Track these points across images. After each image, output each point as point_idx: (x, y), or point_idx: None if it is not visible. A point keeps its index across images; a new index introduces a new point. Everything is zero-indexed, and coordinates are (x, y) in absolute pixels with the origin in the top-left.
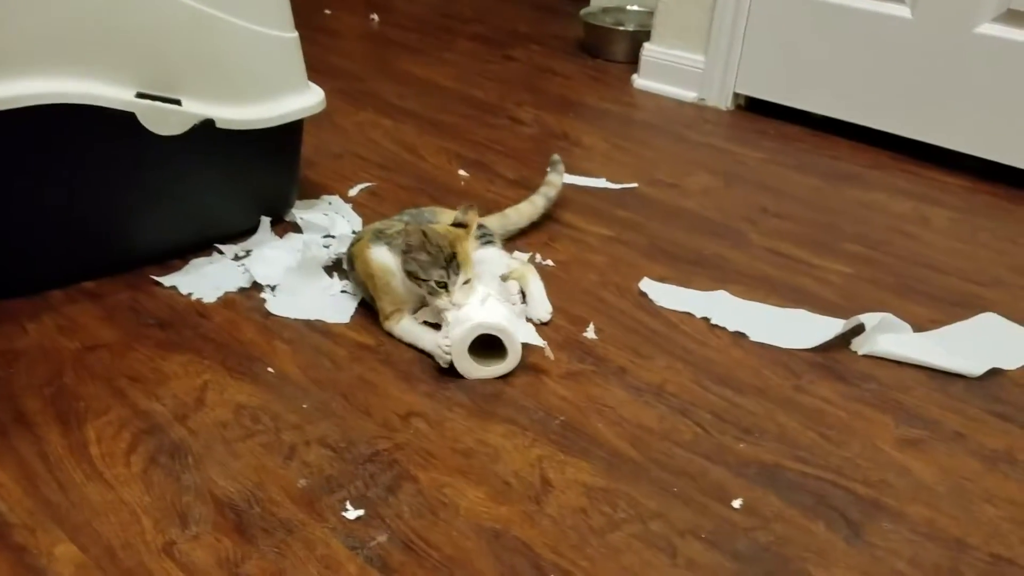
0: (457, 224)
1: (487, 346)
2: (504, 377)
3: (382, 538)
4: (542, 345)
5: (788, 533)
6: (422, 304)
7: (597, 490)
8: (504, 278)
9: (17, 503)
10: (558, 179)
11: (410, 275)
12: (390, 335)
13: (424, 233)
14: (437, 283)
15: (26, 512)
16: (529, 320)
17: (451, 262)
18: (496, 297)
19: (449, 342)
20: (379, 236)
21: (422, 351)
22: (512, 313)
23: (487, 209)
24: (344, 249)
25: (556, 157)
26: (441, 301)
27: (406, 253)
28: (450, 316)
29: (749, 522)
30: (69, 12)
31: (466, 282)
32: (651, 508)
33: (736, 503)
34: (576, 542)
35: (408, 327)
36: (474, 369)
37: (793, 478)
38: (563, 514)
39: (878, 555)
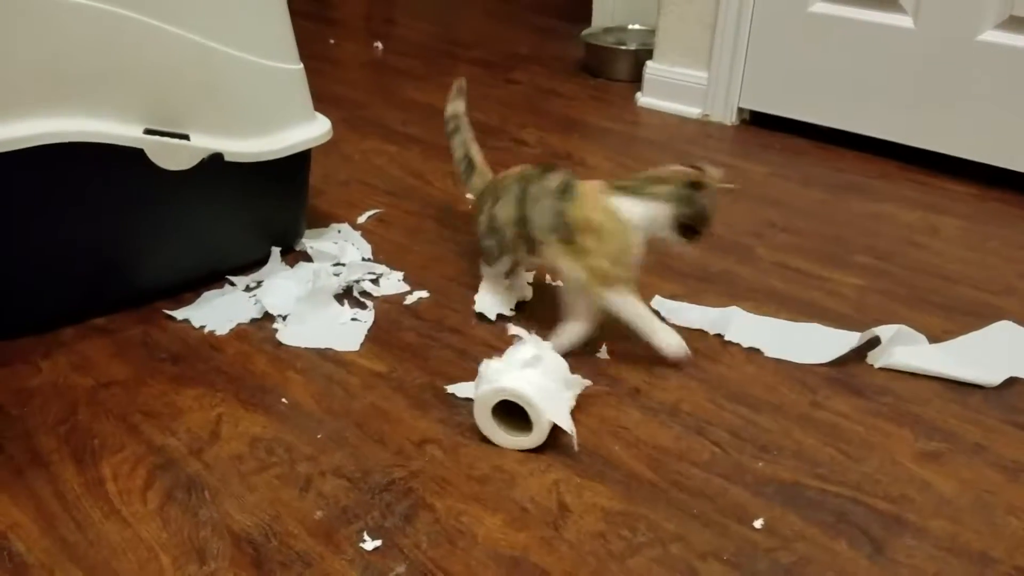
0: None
1: (514, 412)
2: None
3: (400, 569)
4: (571, 432)
5: (810, 552)
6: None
7: (615, 514)
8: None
9: (35, 543)
10: None
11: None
12: (609, 307)
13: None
14: None
15: (44, 552)
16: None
17: None
18: (544, 364)
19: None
20: (623, 188)
21: (637, 333)
22: (553, 383)
23: None
24: (354, 277)
25: None
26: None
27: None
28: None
29: (770, 542)
30: (75, 52)
31: None
32: (671, 531)
33: (757, 523)
34: (596, 568)
35: (639, 306)
36: (497, 435)
37: (813, 496)
38: (581, 539)
39: (902, 572)
